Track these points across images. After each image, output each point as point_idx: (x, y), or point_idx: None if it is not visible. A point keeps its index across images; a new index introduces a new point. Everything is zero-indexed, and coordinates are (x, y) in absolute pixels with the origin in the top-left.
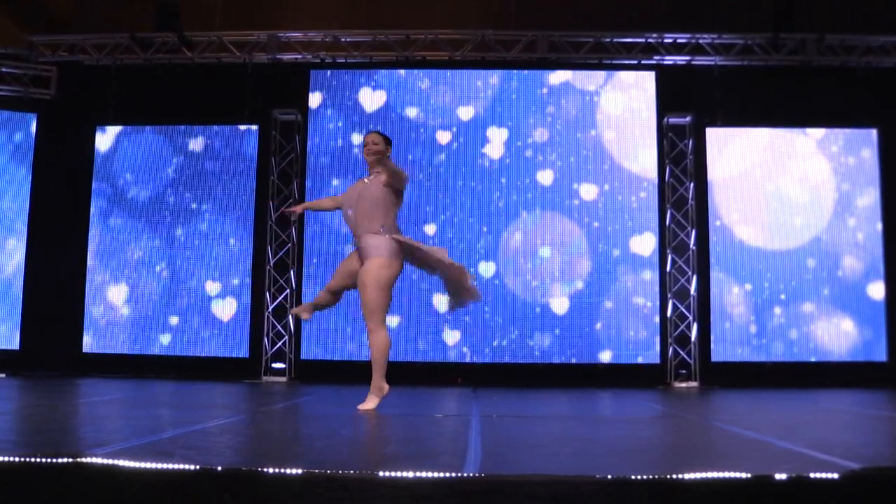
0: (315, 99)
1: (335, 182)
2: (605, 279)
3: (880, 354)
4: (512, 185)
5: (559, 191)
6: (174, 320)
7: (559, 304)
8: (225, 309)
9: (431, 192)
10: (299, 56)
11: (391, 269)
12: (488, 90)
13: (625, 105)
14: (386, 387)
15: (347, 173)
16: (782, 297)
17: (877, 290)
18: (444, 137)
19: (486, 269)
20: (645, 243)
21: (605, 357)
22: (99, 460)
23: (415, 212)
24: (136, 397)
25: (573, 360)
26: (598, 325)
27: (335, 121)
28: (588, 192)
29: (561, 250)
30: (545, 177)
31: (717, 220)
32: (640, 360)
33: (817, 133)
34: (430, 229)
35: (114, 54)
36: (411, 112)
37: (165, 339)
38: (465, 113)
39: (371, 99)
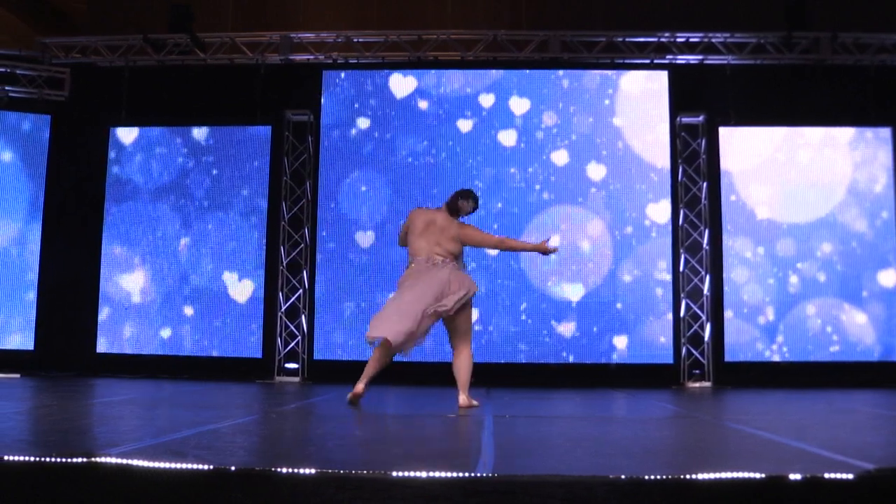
0: (327, 99)
1: (359, 178)
2: (620, 262)
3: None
4: (525, 169)
5: (572, 175)
6: (188, 312)
7: (574, 291)
8: (242, 291)
9: (445, 175)
10: (311, 57)
11: None
12: (504, 76)
13: (641, 87)
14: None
15: (360, 171)
16: (793, 287)
17: (890, 283)
18: (463, 124)
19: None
20: (662, 211)
21: (621, 343)
22: (112, 460)
23: (426, 194)
24: (150, 397)
25: (587, 340)
26: (619, 305)
27: (348, 121)
28: (600, 175)
29: (576, 236)
30: (560, 158)
31: (733, 195)
32: (660, 340)
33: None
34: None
35: (127, 56)
36: (429, 99)
37: (179, 339)
38: (485, 99)
39: (387, 90)
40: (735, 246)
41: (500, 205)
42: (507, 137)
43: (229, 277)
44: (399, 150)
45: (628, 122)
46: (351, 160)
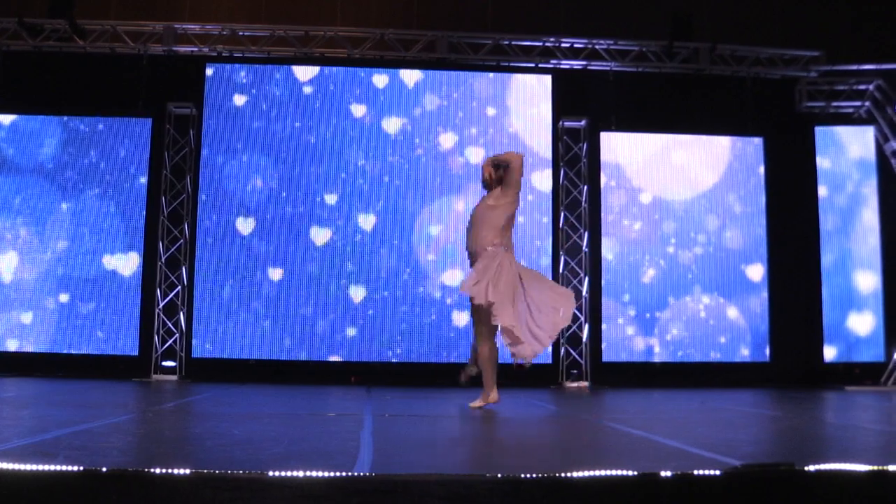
0: (210, 92)
1: (241, 171)
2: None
3: (765, 355)
4: (410, 149)
5: (454, 157)
6: (61, 304)
7: (453, 278)
8: (118, 285)
9: (329, 156)
10: (196, 49)
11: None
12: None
13: (529, 81)
14: (493, 395)
15: (242, 165)
16: (671, 298)
17: (761, 297)
18: (350, 107)
19: (367, 221)
20: (546, 179)
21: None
22: None
23: (313, 182)
24: (20, 396)
25: (466, 337)
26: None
27: (231, 114)
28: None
29: (455, 231)
30: (446, 141)
31: (612, 179)
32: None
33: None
34: (330, 199)
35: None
36: (315, 85)
37: (50, 335)
38: (375, 80)
39: (273, 82)
40: (613, 247)
41: (386, 179)
42: (393, 121)
43: (106, 270)
44: (284, 140)
45: (515, 110)
46: (233, 154)
